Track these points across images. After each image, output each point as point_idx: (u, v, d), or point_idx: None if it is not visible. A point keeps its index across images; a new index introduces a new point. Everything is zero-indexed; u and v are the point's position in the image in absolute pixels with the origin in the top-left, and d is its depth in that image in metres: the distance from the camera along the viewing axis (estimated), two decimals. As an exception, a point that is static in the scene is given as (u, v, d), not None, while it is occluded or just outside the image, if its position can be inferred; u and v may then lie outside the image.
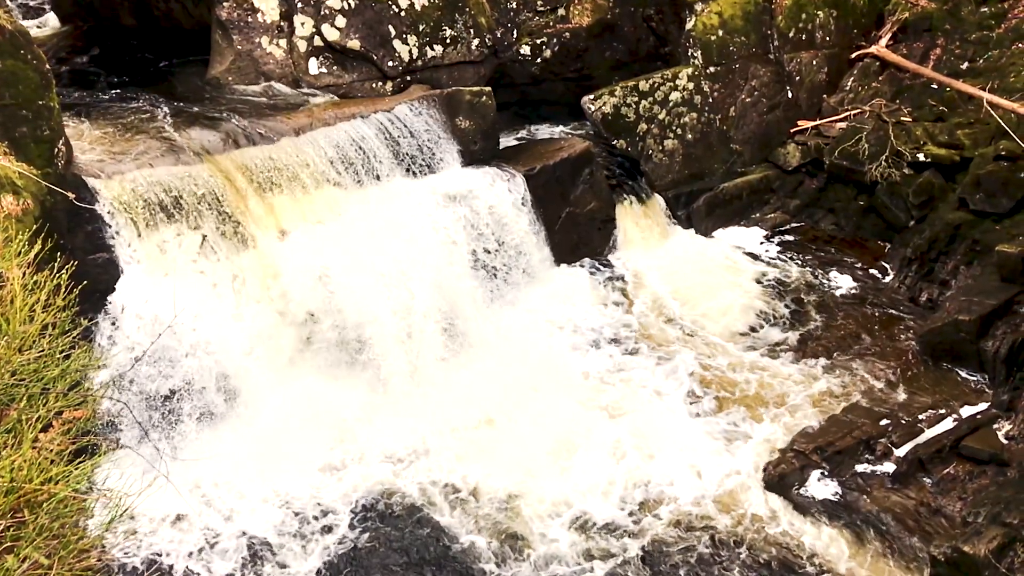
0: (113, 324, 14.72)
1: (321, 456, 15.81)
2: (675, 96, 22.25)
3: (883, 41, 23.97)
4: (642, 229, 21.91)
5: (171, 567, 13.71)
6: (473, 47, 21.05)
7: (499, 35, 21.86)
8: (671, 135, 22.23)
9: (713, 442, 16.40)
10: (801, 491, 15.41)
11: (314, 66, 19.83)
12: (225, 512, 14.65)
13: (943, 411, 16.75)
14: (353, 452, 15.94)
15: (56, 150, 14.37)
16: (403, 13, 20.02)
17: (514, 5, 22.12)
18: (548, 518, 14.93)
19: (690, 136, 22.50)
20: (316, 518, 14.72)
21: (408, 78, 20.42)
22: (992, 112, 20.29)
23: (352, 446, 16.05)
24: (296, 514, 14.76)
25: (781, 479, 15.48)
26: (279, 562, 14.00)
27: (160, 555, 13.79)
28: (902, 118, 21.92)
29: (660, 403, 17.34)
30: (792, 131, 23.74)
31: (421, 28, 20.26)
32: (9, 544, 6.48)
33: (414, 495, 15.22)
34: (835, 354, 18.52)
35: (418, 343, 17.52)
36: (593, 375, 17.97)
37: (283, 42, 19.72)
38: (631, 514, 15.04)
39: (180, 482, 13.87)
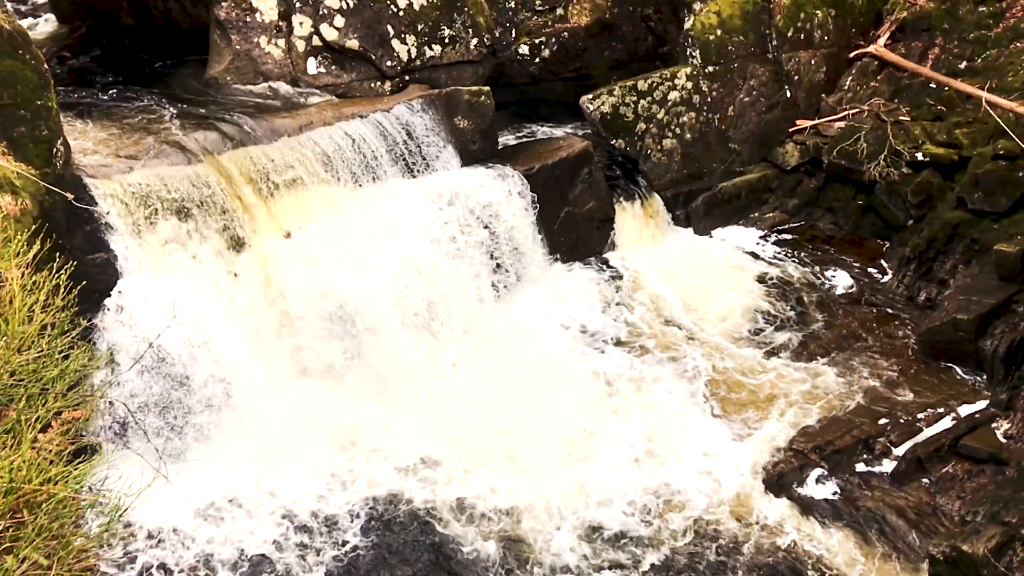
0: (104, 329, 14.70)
1: (325, 464, 15.70)
2: (674, 96, 22.26)
3: (881, 40, 23.97)
4: (641, 229, 21.93)
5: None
6: (472, 47, 21.05)
7: (498, 35, 21.87)
8: (670, 134, 22.23)
9: (724, 444, 16.37)
10: (801, 491, 15.43)
11: (313, 66, 19.84)
12: (226, 522, 14.52)
13: (942, 410, 16.76)
14: (359, 460, 15.83)
15: (54, 150, 14.35)
16: (401, 13, 20.02)
17: (513, 5, 22.13)
18: (556, 529, 14.80)
19: (689, 136, 22.51)
20: (320, 528, 14.59)
21: (407, 78, 20.42)
22: (990, 111, 20.30)
23: (358, 453, 15.95)
24: (299, 524, 14.63)
25: (780, 478, 15.50)
26: (281, 573, 13.92)
27: (160, 568, 13.71)
28: (900, 117, 21.93)
29: (670, 405, 17.29)
30: (791, 130, 23.74)
31: (420, 28, 20.26)
32: (8, 544, 6.48)
33: (420, 505, 15.07)
34: (834, 353, 18.52)
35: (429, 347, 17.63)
36: (602, 377, 17.91)
37: (281, 42, 19.71)
38: (643, 522, 14.94)
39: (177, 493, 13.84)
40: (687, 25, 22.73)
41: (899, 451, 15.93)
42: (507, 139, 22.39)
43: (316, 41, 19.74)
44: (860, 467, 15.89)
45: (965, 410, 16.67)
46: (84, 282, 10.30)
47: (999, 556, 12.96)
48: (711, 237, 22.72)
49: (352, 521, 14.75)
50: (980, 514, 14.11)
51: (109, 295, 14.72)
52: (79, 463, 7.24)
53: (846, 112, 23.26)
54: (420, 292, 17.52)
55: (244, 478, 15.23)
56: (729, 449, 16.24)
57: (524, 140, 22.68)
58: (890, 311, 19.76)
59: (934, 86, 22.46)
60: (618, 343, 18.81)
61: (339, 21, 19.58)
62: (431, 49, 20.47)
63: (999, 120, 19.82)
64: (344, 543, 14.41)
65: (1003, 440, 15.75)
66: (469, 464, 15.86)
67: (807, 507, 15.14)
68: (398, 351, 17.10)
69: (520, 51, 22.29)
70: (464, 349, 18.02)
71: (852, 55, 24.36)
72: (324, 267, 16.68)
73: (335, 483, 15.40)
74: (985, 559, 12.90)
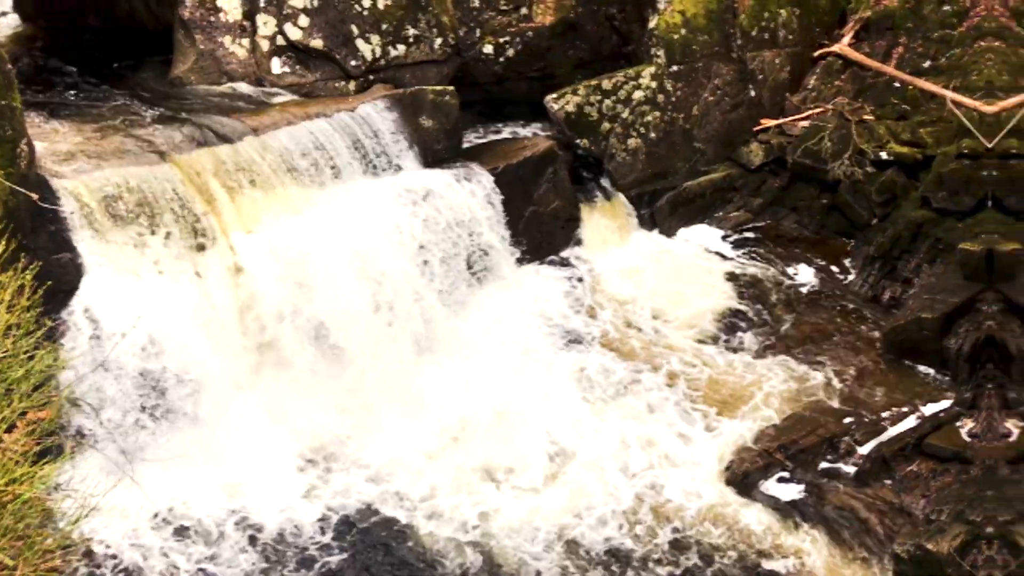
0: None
1: (292, 473, 15.41)
2: (638, 95, 22.27)
3: (846, 39, 24.00)
4: (606, 228, 21.90)
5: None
6: (436, 46, 21.02)
7: (462, 34, 21.84)
8: (634, 134, 22.24)
9: (705, 447, 16.30)
10: (764, 490, 15.44)
11: (277, 65, 19.77)
12: (186, 537, 14.16)
13: (906, 409, 16.79)
14: (332, 470, 15.55)
15: (18, 150, 14.24)
16: (366, 12, 19.97)
17: (477, 4, 22.08)
18: (537, 544, 14.48)
19: (653, 135, 22.52)
20: (286, 541, 14.26)
21: (371, 77, 20.37)
22: (955, 110, 20.35)
23: (328, 464, 15.66)
24: (263, 540, 14.26)
25: (745, 477, 15.52)
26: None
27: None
28: (865, 116, 21.99)
29: (650, 408, 17.14)
30: (755, 130, 23.74)
31: (384, 27, 20.22)
32: (-27, 546, 6.43)
33: (394, 519, 14.72)
34: (798, 352, 18.51)
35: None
36: (582, 381, 17.71)
37: (246, 41, 19.64)
38: (631, 535, 14.71)
39: (138, 505, 13.72)
40: (651, 24, 22.74)
41: (864, 450, 15.95)
42: (472, 139, 22.32)
43: (280, 41, 19.68)
44: (825, 466, 15.91)
45: (930, 409, 16.68)
46: (49, 282, 10.23)
47: (964, 554, 13.01)
48: (676, 236, 22.67)
49: (322, 536, 14.47)
50: (945, 513, 14.15)
51: (74, 295, 14.63)
52: (44, 464, 7.19)
53: (810, 111, 23.28)
54: (387, 291, 17.47)
55: (204, 486, 15.00)
56: (707, 452, 16.20)
57: (489, 140, 22.63)
58: (854, 310, 19.81)
59: (898, 85, 22.51)
60: (593, 345, 18.68)
61: (303, 21, 19.53)
62: (395, 49, 20.43)
63: (963, 119, 19.87)
64: (312, 560, 14.14)
65: (967, 439, 15.78)
66: (447, 476, 15.56)
67: (777, 508, 15.12)
68: (368, 356, 17.04)
69: (485, 51, 22.26)
70: (436, 353, 17.94)
71: (816, 54, 24.38)
72: (289, 264, 16.63)
73: (304, 495, 15.11)
74: (950, 558, 12.95)
